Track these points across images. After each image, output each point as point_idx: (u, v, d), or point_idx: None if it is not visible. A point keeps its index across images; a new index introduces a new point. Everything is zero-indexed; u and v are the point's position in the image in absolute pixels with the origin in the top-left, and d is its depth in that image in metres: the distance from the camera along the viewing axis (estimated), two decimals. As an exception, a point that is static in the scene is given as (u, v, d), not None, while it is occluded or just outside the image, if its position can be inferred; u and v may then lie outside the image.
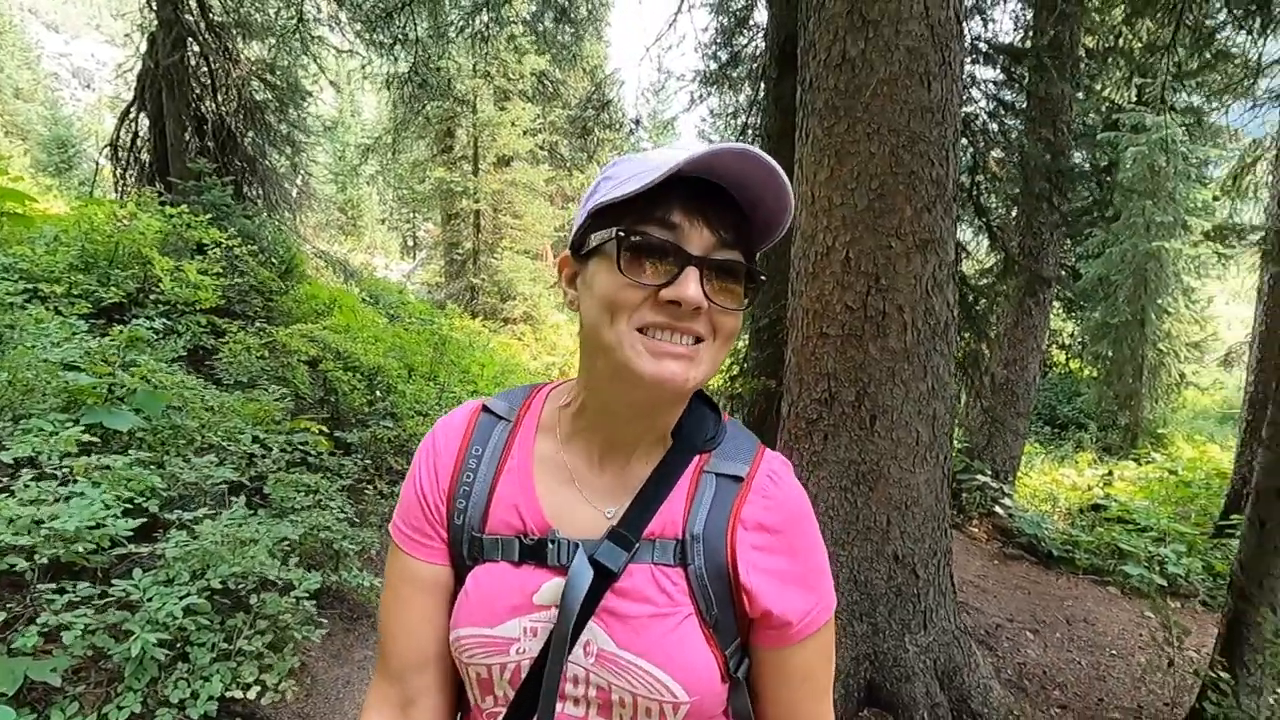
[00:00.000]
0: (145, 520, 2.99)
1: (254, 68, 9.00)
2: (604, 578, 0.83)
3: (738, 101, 9.41)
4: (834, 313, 3.27)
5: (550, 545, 0.85)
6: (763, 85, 5.96)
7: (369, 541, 4.14)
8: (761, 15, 7.59)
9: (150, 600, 2.66)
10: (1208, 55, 7.16)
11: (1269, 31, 6.15)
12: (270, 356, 5.57)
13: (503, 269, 19.33)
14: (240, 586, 3.04)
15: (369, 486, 5.02)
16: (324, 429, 4.91)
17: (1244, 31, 7.77)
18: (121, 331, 4.08)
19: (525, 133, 19.86)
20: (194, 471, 3.55)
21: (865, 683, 3.32)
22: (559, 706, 0.84)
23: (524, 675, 0.84)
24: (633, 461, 0.90)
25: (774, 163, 0.76)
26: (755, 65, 8.02)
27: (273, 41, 9.00)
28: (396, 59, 9.22)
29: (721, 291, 0.80)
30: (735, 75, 8.65)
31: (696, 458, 0.90)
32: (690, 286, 0.77)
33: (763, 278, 0.84)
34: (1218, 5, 6.80)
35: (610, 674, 0.82)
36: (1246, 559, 3.55)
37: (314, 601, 3.27)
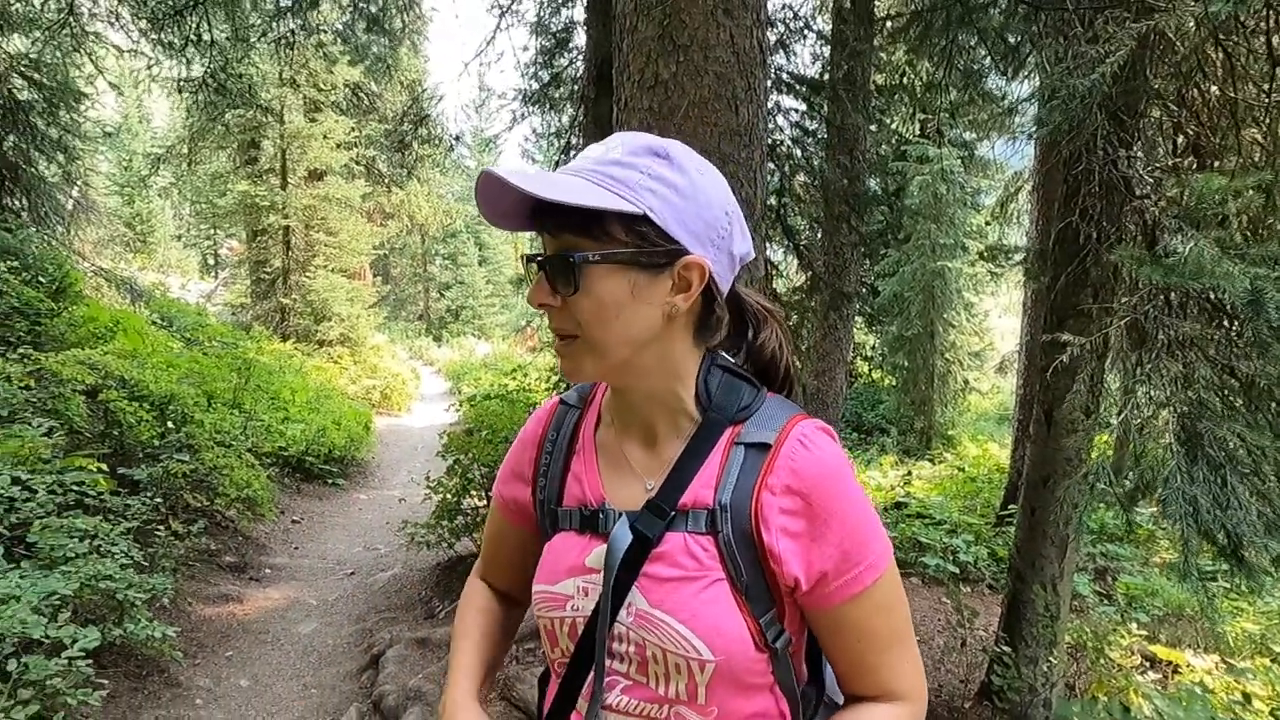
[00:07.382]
0: None
1: (15, 63, 7.95)
2: (643, 544, 0.91)
3: (560, 122, 9.47)
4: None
5: (601, 515, 0.96)
6: (583, 106, 6.04)
7: (160, 588, 3.74)
8: (580, 38, 7.69)
9: (-128, 678, 2.25)
10: (975, 95, 8.04)
11: (1021, 75, 7.03)
12: (37, 386, 4.90)
13: (316, 288, 18.11)
14: (-5, 651, 2.65)
15: (161, 527, 4.55)
16: (104, 466, 4.38)
17: (1003, 75, 8.83)
18: None
19: (339, 146, 18.80)
20: (-66, 522, 3.05)
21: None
22: (608, 662, 0.93)
23: (580, 631, 0.95)
24: (664, 437, 0.98)
25: (502, 174, 0.82)
26: (577, 86, 8.10)
27: (38, 35, 8.00)
28: (189, 61, 8.40)
29: (562, 282, 0.88)
30: (557, 95, 8.71)
31: (729, 429, 0.95)
32: (532, 291, 0.90)
33: (594, 257, 0.86)
34: (983, 52, 7.68)
35: (644, 630, 0.90)
36: (1021, 543, 3.96)
37: (90, 661, 2.90)
